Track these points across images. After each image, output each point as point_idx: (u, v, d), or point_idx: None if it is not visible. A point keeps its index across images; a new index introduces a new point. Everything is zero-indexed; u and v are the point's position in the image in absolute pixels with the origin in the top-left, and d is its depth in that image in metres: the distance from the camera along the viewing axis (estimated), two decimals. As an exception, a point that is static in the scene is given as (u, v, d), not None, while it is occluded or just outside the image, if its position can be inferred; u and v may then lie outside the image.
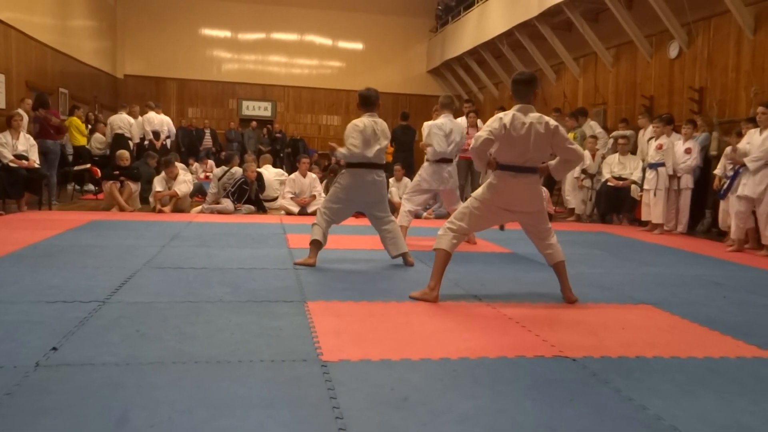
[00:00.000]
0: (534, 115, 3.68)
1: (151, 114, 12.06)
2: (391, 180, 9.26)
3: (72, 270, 4.24)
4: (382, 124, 4.77)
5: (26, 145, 8.14)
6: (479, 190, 3.83)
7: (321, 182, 9.33)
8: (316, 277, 4.29)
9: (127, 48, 18.20)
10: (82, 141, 10.94)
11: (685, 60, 9.50)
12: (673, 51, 9.72)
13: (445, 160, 6.02)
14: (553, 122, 3.71)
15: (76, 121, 10.76)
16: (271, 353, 2.61)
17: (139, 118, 11.95)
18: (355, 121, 4.70)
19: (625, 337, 3.09)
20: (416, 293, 3.76)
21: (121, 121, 11.48)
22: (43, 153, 8.53)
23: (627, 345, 2.94)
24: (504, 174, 3.67)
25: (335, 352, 2.64)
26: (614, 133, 9.62)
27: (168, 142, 12.30)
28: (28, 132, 8.61)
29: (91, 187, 10.81)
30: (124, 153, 9.05)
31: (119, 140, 11.14)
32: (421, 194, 6.20)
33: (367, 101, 4.76)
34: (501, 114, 3.71)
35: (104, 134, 11.84)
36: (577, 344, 2.90)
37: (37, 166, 8.17)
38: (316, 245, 4.74)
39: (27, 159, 8.05)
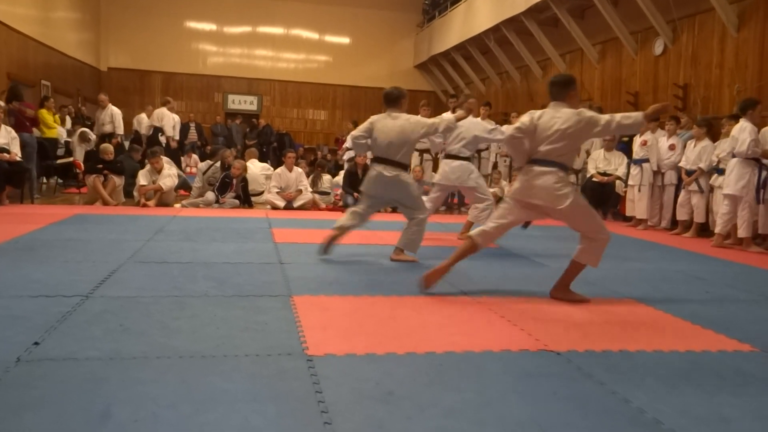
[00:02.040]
0: (566, 111, 3.72)
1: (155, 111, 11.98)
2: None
3: (54, 264, 4.19)
4: (403, 120, 4.81)
5: (7, 138, 8.02)
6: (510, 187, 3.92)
7: (307, 177, 9.30)
8: (302, 272, 4.28)
9: (111, 40, 18.00)
10: (50, 134, 10.40)
11: (670, 57, 9.57)
12: (658, 48, 9.79)
13: (453, 156, 6.05)
14: (587, 113, 3.73)
15: (44, 113, 10.35)
16: (257, 348, 2.60)
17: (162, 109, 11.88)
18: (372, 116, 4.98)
19: (609, 331, 3.12)
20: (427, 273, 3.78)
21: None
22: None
23: (611, 339, 2.96)
24: (525, 167, 3.76)
25: (321, 347, 2.64)
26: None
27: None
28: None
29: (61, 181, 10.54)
30: (108, 147, 8.94)
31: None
32: (438, 191, 6.28)
33: (387, 98, 4.93)
34: (535, 111, 3.85)
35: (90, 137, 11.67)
36: (562, 338, 2.92)
37: (19, 159, 8.07)
38: (339, 231, 4.82)
39: (8, 152, 7.93)
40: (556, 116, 3.70)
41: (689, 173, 7.33)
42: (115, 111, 10.89)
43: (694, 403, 2.22)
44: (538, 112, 3.77)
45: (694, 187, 7.30)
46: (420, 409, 2.05)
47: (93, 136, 10.84)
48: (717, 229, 6.61)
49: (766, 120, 6.79)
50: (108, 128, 10.67)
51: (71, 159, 10.39)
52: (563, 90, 3.79)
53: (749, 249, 6.27)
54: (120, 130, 10.90)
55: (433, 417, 2.00)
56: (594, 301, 3.80)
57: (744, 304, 3.89)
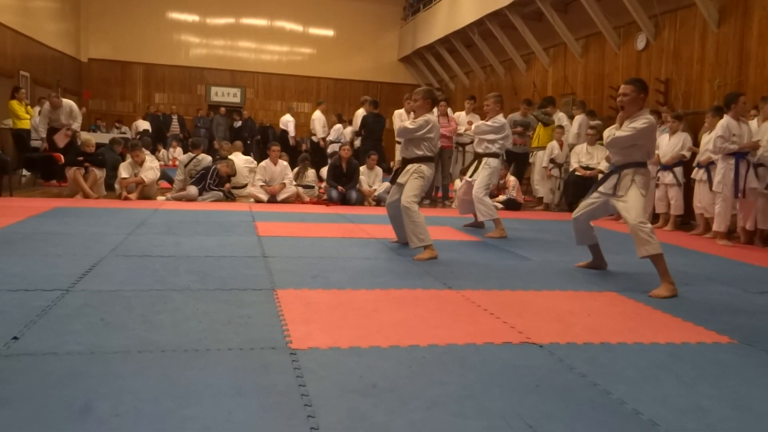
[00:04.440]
0: None
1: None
2: (362, 168, 9.22)
3: (34, 258, 4.14)
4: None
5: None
6: None
7: (292, 170, 9.25)
8: (286, 266, 4.26)
9: (91, 31, 17.72)
10: (22, 125, 10.08)
11: (652, 52, 9.65)
12: (640, 43, 9.87)
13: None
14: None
15: (13, 104, 9.94)
16: (240, 341, 2.59)
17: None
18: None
19: (591, 323, 3.15)
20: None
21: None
22: None
23: (592, 331, 2.99)
24: None
25: (304, 340, 2.63)
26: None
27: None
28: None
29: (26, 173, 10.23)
30: (90, 139, 8.83)
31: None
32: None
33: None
34: None
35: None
36: (544, 331, 2.95)
37: (-3, 151, 7.94)
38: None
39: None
40: None
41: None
42: (73, 106, 10.04)
43: (674, 394, 2.25)
44: None
45: (671, 180, 7.37)
46: (403, 402, 2.06)
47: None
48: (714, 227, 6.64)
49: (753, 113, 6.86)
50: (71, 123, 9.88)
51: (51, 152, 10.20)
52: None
53: (719, 243, 6.35)
54: (77, 124, 10.04)
55: (416, 409, 2.01)
56: (576, 293, 3.84)
57: (723, 297, 3.94)
